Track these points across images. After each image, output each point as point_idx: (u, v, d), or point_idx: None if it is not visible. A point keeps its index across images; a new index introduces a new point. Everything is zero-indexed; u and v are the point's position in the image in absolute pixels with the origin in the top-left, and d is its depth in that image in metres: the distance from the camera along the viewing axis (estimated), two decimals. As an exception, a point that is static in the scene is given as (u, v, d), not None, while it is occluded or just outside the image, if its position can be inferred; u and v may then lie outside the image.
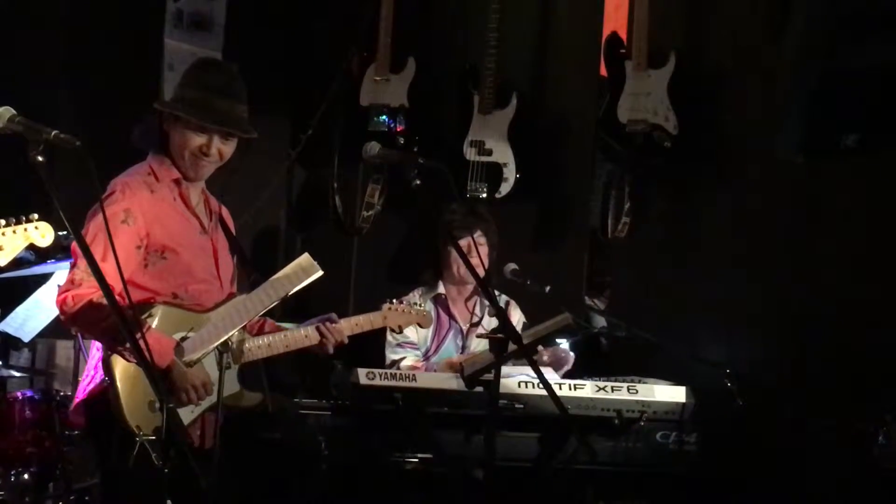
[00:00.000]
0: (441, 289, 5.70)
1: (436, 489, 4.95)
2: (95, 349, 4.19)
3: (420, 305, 4.92)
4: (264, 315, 4.35)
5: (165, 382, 4.01)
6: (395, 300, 4.76)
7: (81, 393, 4.23)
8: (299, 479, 4.78)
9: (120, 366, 3.97)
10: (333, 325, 4.45)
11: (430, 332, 5.59)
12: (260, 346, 4.34)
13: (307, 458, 4.61)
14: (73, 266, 4.11)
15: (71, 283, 4.05)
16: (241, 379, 4.33)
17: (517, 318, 5.72)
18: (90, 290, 4.01)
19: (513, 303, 5.79)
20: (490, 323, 5.61)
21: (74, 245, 4.02)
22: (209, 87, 4.28)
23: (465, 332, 5.69)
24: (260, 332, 4.46)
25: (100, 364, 4.08)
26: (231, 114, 4.29)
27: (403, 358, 5.55)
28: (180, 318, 4.16)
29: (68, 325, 4.17)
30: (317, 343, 4.43)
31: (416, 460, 4.95)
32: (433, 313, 5.63)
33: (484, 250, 5.58)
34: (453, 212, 5.64)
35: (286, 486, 4.69)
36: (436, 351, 5.65)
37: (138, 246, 4.17)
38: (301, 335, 4.42)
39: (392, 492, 4.96)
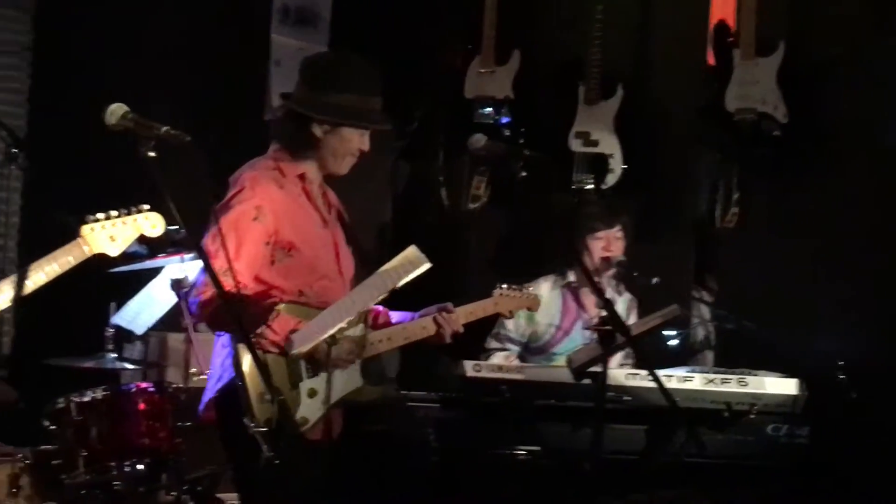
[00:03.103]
0: (572, 277, 5.66)
1: (543, 481, 4.93)
2: (220, 346, 4.23)
3: (529, 290, 4.88)
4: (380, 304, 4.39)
5: (313, 363, 4.10)
6: (504, 285, 4.75)
7: (211, 391, 4.28)
8: (408, 471, 4.80)
9: (248, 363, 4.02)
10: (449, 314, 4.45)
11: (557, 318, 5.57)
12: (381, 340, 4.36)
13: (415, 450, 4.62)
14: (207, 266, 4.12)
15: (206, 284, 4.05)
16: (363, 373, 4.36)
17: (632, 319, 5.68)
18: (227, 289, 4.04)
19: (635, 303, 5.74)
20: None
21: (208, 245, 4.04)
22: (361, 89, 4.31)
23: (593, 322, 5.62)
24: (376, 324, 4.48)
25: (226, 362, 4.13)
26: (378, 110, 4.35)
27: (496, 351, 5.53)
28: (304, 315, 4.18)
29: (206, 325, 4.22)
30: (434, 333, 4.44)
31: (524, 452, 4.94)
32: (561, 301, 5.61)
33: (621, 244, 5.56)
34: (594, 204, 5.62)
35: (395, 478, 4.71)
36: (562, 339, 5.61)
37: (267, 242, 4.18)
38: (419, 326, 4.43)
39: (499, 484, 4.96)
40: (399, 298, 4.19)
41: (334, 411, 4.22)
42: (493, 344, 5.60)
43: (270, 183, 4.24)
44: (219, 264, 3.91)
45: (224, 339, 4.20)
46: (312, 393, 4.17)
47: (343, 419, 4.36)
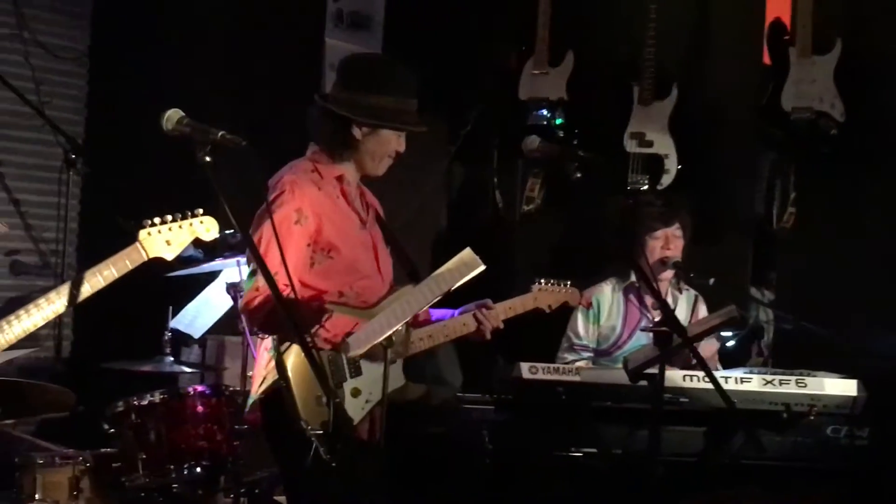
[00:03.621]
0: (634, 278, 5.63)
1: (600, 484, 4.91)
2: (264, 349, 4.26)
3: (568, 285, 4.86)
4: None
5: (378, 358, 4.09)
6: (543, 280, 4.73)
7: (256, 392, 4.30)
8: (463, 473, 4.80)
9: (292, 365, 4.04)
10: (488, 310, 4.45)
11: (619, 320, 5.56)
12: (422, 338, 4.37)
13: (470, 452, 4.62)
14: (251, 275, 4.15)
15: (255, 289, 4.09)
16: (405, 372, 4.37)
17: (703, 313, 5.64)
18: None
19: (700, 298, 5.71)
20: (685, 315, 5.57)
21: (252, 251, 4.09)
22: (399, 91, 4.31)
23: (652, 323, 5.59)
24: (417, 322, 4.49)
25: (269, 364, 4.15)
26: (415, 112, 4.35)
27: (575, 362, 5.50)
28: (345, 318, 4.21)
29: (256, 328, 4.25)
30: (474, 330, 4.44)
31: (580, 455, 4.92)
32: (622, 303, 5.59)
33: (679, 243, 5.53)
34: (651, 203, 5.59)
35: (450, 480, 4.71)
36: (627, 341, 5.59)
37: (308, 244, 4.21)
38: (459, 323, 4.44)
39: (555, 486, 4.94)
40: (451, 300, 4.20)
41: (378, 411, 4.23)
42: (568, 355, 5.56)
43: (309, 185, 4.26)
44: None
45: (268, 341, 4.22)
46: (356, 392, 4.20)
47: (398, 420, 4.36)
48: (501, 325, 4.48)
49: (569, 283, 4.84)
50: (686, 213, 5.62)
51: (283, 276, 3.93)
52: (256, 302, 4.07)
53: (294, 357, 4.07)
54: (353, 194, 4.41)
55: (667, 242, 5.48)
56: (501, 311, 4.51)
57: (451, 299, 4.40)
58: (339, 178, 4.36)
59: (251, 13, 6.68)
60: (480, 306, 4.46)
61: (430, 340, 4.39)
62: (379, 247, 4.45)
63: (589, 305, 5.46)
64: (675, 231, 5.52)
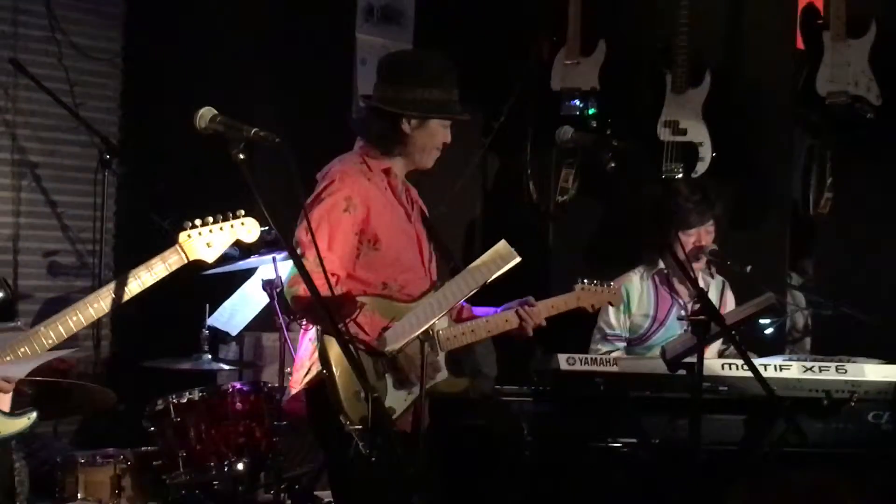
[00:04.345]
0: (661, 265, 5.61)
1: (640, 474, 4.90)
2: (308, 339, 4.28)
3: (611, 285, 4.86)
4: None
5: (392, 365, 4.16)
6: (586, 279, 4.73)
7: (298, 383, 4.33)
8: (503, 465, 4.80)
9: (334, 356, 4.06)
10: (531, 308, 4.46)
11: (651, 308, 5.55)
12: (464, 333, 4.39)
13: (510, 443, 4.63)
14: (299, 258, 4.12)
15: (298, 276, 4.08)
16: (448, 365, 4.38)
17: (730, 301, 5.62)
18: (320, 282, 4.10)
19: (728, 285, 5.69)
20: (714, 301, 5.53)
21: (300, 237, 4.14)
22: (443, 82, 4.37)
23: (688, 309, 5.57)
24: (460, 318, 4.50)
25: (314, 355, 4.17)
26: (458, 101, 4.42)
27: (609, 352, 5.49)
28: (390, 309, 4.22)
29: (300, 315, 4.28)
30: (516, 327, 4.45)
31: (620, 445, 4.91)
32: (654, 291, 5.57)
33: (711, 238, 5.51)
34: (687, 199, 5.54)
35: (490, 472, 4.71)
36: (659, 328, 5.57)
37: (356, 233, 4.26)
38: (502, 319, 4.45)
39: (595, 477, 4.93)
40: (488, 291, 4.21)
41: (420, 403, 4.25)
42: (602, 346, 5.54)
43: (358, 175, 4.33)
44: (311, 256, 3.98)
45: (312, 332, 4.24)
46: (399, 384, 4.22)
47: (439, 413, 4.38)
48: (544, 323, 4.49)
49: (612, 283, 4.83)
50: (720, 206, 5.59)
51: (331, 262, 4.06)
52: (302, 290, 4.08)
53: (337, 348, 4.08)
54: (399, 188, 4.46)
55: (699, 238, 5.46)
56: (544, 309, 4.51)
57: (491, 297, 4.41)
58: (387, 171, 4.41)
59: (282, 9, 6.69)
60: (523, 303, 4.47)
61: (472, 335, 4.40)
62: (423, 242, 4.49)
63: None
64: (708, 227, 5.50)
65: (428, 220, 4.58)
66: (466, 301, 4.46)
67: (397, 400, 4.21)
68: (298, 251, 4.14)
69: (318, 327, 4.15)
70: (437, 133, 4.39)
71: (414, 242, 4.44)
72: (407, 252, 4.39)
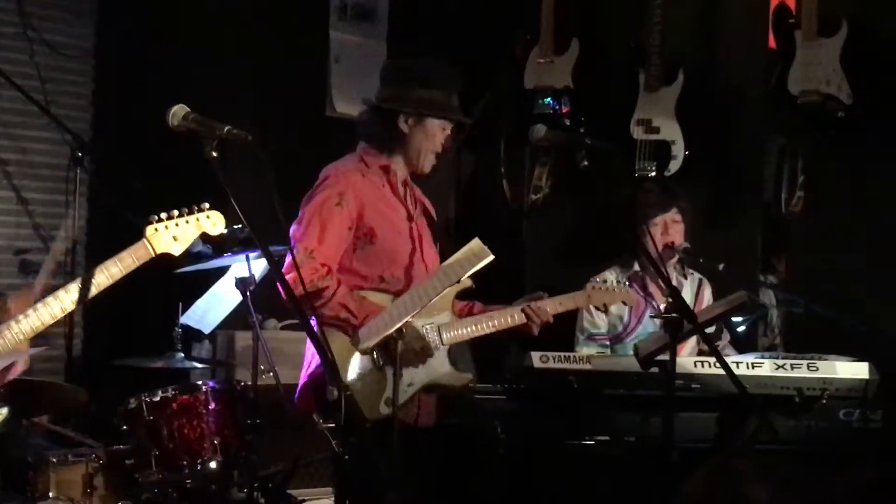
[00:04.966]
0: (637, 267, 5.63)
1: (613, 471, 4.91)
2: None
3: (621, 283, 4.92)
4: (470, 295, 4.50)
5: (391, 351, 4.17)
6: (598, 279, 4.78)
7: (304, 377, 4.42)
8: (476, 463, 4.81)
9: (335, 352, 4.08)
10: (538, 305, 4.48)
11: (625, 310, 5.55)
12: (468, 328, 4.45)
13: (483, 442, 4.64)
14: (291, 249, 4.25)
15: (291, 265, 4.17)
16: (451, 360, 4.45)
17: (707, 297, 5.64)
18: (311, 273, 4.20)
19: (706, 282, 5.71)
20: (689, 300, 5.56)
21: (294, 230, 4.29)
22: (444, 85, 4.50)
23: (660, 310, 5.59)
24: (470, 313, 4.53)
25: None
26: (458, 106, 4.54)
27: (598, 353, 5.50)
28: (386, 303, 4.26)
29: (288, 305, 4.29)
30: (523, 323, 4.46)
31: (593, 443, 4.92)
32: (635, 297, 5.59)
33: (679, 228, 5.53)
34: (648, 191, 5.59)
35: (463, 470, 4.71)
36: (635, 328, 5.59)
37: (350, 227, 4.36)
38: (507, 315, 4.51)
39: (569, 475, 4.94)
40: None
41: (424, 397, 4.30)
42: (586, 349, 5.54)
43: (354, 173, 4.44)
44: (301, 248, 4.20)
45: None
46: (399, 376, 4.22)
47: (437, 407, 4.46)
48: (551, 320, 4.53)
49: (625, 282, 4.88)
50: (683, 198, 5.62)
51: (322, 254, 4.22)
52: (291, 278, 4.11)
53: (338, 342, 4.13)
54: (399, 187, 4.54)
55: (665, 228, 5.48)
56: (551, 306, 4.56)
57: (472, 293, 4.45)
58: (385, 169, 4.51)
59: (255, 7, 6.68)
60: (531, 300, 4.50)
61: (476, 331, 4.46)
62: (425, 241, 4.58)
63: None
64: (673, 216, 5.52)
65: (434, 222, 4.69)
66: (473, 299, 4.56)
67: (399, 392, 4.21)
68: (291, 244, 4.26)
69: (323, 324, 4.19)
70: (435, 135, 4.49)
71: (413, 239, 4.51)
72: (402, 247, 4.47)
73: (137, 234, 3.67)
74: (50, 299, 3.49)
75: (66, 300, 3.58)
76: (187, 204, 3.82)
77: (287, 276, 4.13)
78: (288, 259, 4.27)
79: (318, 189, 4.39)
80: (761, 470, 2.38)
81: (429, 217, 4.67)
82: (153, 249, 3.59)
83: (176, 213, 3.63)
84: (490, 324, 4.49)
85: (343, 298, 4.26)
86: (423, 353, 4.34)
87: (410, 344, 4.28)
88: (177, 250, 3.64)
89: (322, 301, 4.23)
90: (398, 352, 4.05)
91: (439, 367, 4.40)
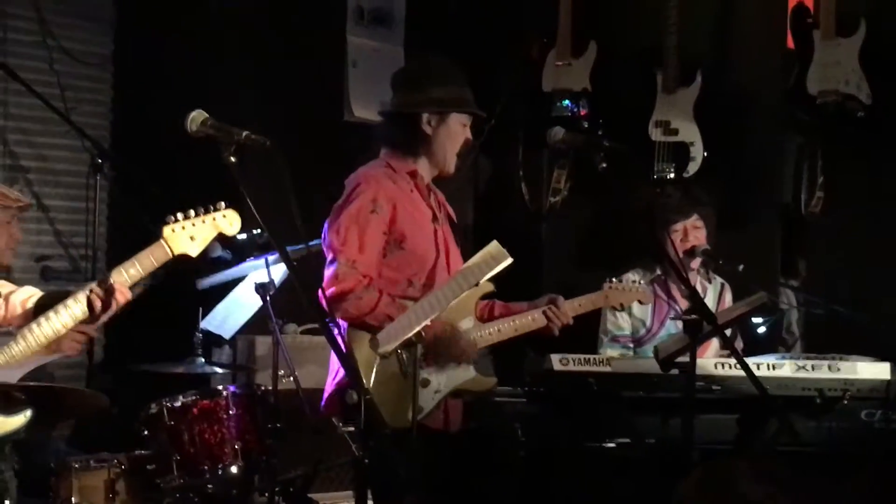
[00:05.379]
0: (659, 271, 5.63)
1: (632, 474, 4.90)
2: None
3: (637, 283, 4.93)
4: (492, 298, 4.53)
5: (437, 351, 4.26)
6: (614, 279, 4.79)
7: (331, 385, 4.42)
8: (496, 465, 4.81)
9: (361, 358, 4.17)
10: (558, 307, 4.51)
11: (648, 313, 5.56)
12: (491, 333, 4.47)
13: (504, 444, 4.65)
14: (332, 262, 4.31)
15: (335, 278, 4.25)
16: (475, 365, 4.46)
17: (728, 301, 5.63)
18: (354, 283, 4.23)
19: (727, 287, 5.70)
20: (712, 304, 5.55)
21: (332, 240, 4.30)
22: (456, 80, 4.52)
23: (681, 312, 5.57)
24: (490, 312, 4.55)
25: None
26: (473, 99, 4.55)
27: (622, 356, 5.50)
28: None
29: (335, 315, 4.32)
30: (544, 326, 4.49)
31: (613, 445, 4.91)
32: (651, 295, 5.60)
33: (702, 234, 5.52)
34: (669, 196, 5.59)
35: (483, 472, 4.72)
36: (657, 332, 5.58)
37: (384, 233, 4.37)
38: (528, 319, 4.53)
39: (589, 477, 4.94)
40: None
41: (452, 402, 4.32)
42: (610, 349, 5.54)
43: (384, 178, 4.45)
44: (343, 259, 4.21)
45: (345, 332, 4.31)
46: (425, 383, 4.29)
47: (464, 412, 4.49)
48: (571, 322, 4.55)
49: (641, 281, 4.89)
50: (706, 202, 5.61)
51: (363, 265, 4.23)
52: (332, 292, 4.22)
53: (364, 349, 4.15)
54: (425, 191, 4.56)
55: (686, 234, 5.48)
56: (570, 308, 4.59)
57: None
58: (412, 174, 4.52)
59: (273, 12, 6.69)
60: (550, 302, 4.53)
61: (498, 335, 4.49)
62: (450, 244, 4.59)
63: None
64: (694, 222, 5.51)
65: (455, 225, 4.70)
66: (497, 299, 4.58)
67: (425, 399, 4.27)
68: (331, 255, 4.30)
69: (346, 331, 4.25)
70: (458, 131, 4.51)
71: (440, 243, 4.53)
72: (430, 252, 4.48)
73: (157, 238, 3.67)
74: (70, 301, 3.48)
75: (84, 303, 3.58)
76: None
77: (330, 290, 4.23)
78: (328, 271, 4.30)
79: (351, 197, 4.38)
80: (756, 470, 2.39)
81: (451, 221, 4.69)
82: (171, 250, 3.58)
83: (192, 213, 3.63)
84: (513, 328, 4.51)
85: (387, 308, 4.25)
86: (469, 357, 4.36)
87: (467, 348, 4.34)
88: (194, 250, 3.64)
89: (367, 312, 4.24)
90: (417, 355, 4.05)
91: (464, 372, 4.40)
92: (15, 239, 5.10)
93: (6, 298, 3.57)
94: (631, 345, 5.59)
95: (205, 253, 3.78)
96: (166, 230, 3.58)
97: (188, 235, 3.60)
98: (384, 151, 4.58)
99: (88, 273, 6.15)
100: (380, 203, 4.35)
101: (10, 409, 3.46)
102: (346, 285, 4.24)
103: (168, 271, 3.75)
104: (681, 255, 5.41)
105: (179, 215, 3.61)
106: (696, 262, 5.52)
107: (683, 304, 5.53)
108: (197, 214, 3.63)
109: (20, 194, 5.22)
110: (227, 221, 3.67)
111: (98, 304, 3.41)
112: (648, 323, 5.59)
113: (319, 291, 4.29)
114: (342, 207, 4.38)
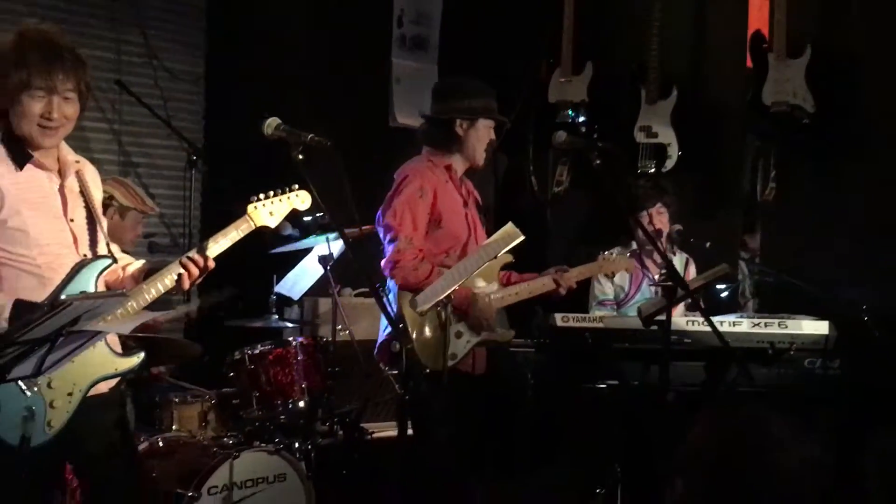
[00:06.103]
0: (634, 246, 5.63)
1: (621, 409, 4.91)
2: (393, 298, 4.40)
3: (623, 255, 4.97)
4: (508, 268, 4.58)
5: (468, 317, 4.33)
6: (608, 251, 4.83)
7: (381, 337, 4.48)
8: (511, 402, 4.82)
9: (408, 314, 4.24)
10: (565, 273, 4.57)
11: (627, 281, 5.56)
12: (510, 294, 4.53)
13: (516, 387, 4.68)
14: (392, 240, 4.36)
15: (397, 251, 4.31)
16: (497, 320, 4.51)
17: (692, 272, 5.62)
18: (412, 255, 4.31)
19: (691, 260, 5.69)
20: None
21: (389, 222, 4.34)
22: (484, 94, 4.58)
23: (656, 279, 5.57)
24: (508, 281, 4.60)
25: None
26: (496, 108, 4.63)
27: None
28: None
29: (396, 282, 4.38)
30: (553, 289, 4.55)
31: (604, 386, 4.92)
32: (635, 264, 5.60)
33: (664, 218, 5.52)
34: (640, 186, 5.61)
35: (499, 411, 4.74)
36: (634, 295, 5.58)
37: (429, 213, 4.41)
38: (541, 283, 4.59)
39: (585, 412, 4.95)
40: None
41: (478, 351, 4.35)
42: (597, 311, 5.53)
43: (426, 170, 4.49)
44: (402, 236, 4.28)
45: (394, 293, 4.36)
46: (459, 334, 4.34)
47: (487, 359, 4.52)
48: (574, 286, 4.61)
49: (628, 253, 4.93)
50: (669, 193, 5.61)
51: (418, 239, 4.31)
52: (396, 268, 4.29)
53: (407, 307, 4.22)
54: (458, 181, 4.59)
55: (651, 219, 5.47)
56: (575, 274, 4.64)
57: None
58: (448, 168, 4.55)
59: (332, 41, 6.71)
60: (558, 270, 4.58)
61: (517, 296, 4.55)
62: (478, 224, 4.63)
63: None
64: (658, 209, 5.52)
65: (482, 211, 4.72)
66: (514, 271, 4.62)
67: (458, 347, 4.33)
68: (390, 235, 4.35)
69: (397, 293, 4.31)
70: (484, 133, 4.55)
71: (469, 225, 4.57)
72: (461, 231, 4.52)
73: (243, 214, 3.68)
74: (173, 265, 3.49)
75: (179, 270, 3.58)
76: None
77: (393, 261, 4.30)
78: (390, 247, 4.35)
79: (401, 186, 4.41)
80: (780, 412, 2.18)
81: (478, 206, 4.71)
82: (254, 223, 3.59)
83: (271, 192, 3.64)
84: (528, 291, 4.56)
85: (435, 278, 4.28)
86: (488, 321, 4.38)
87: (484, 312, 4.35)
88: (273, 223, 3.64)
89: (422, 280, 4.27)
90: (448, 314, 4.07)
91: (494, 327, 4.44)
92: (138, 235, 5.17)
93: (124, 269, 3.60)
94: (614, 307, 5.59)
95: (279, 230, 3.79)
96: (250, 207, 3.59)
97: (268, 211, 3.61)
98: (425, 149, 4.60)
99: (185, 248, 6.17)
100: (425, 190, 4.39)
101: (126, 352, 3.48)
102: (406, 257, 4.29)
103: (249, 244, 3.76)
104: (653, 234, 5.40)
105: (261, 195, 3.62)
106: (663, 239, 5.53)
107: (654, 272, 5.53)
108: (275, 194, 3.63)
109: (154, 203, 5.27)
110: (300, 199, 3.67)
111: (191, 267, 3.43)
112: (627, 289, 5.59)
113: (382, 263, 4.34)
114: (394, 195, 4.41)
